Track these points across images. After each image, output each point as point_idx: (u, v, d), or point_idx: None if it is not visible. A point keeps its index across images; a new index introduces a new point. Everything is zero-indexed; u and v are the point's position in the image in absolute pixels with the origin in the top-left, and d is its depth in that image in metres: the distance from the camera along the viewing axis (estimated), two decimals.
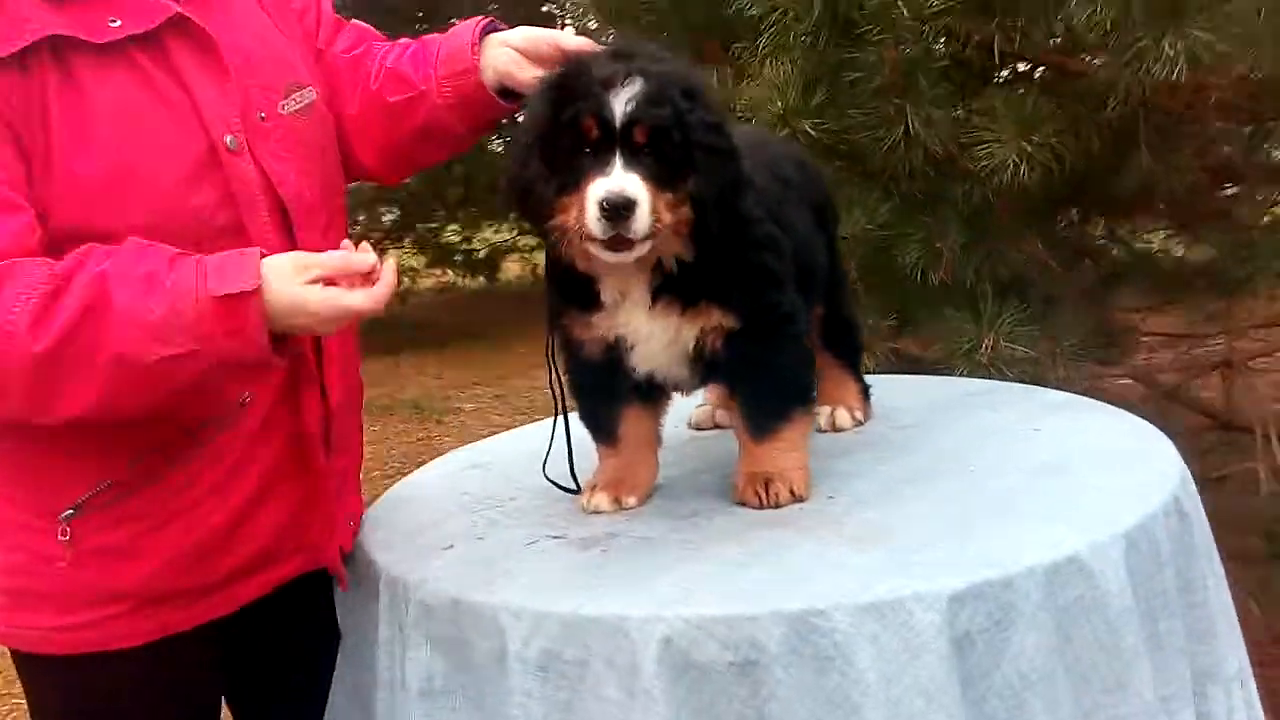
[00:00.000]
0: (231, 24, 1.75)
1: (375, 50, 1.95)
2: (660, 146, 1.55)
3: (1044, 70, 3.06)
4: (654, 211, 1.54)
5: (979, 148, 2.67)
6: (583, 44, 1.79)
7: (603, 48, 1.70)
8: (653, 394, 1.84)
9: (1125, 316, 3.47)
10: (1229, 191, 3.42)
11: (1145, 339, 3.57)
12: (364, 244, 1.63)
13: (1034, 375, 2.62)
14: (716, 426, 2.13)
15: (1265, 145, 3.06)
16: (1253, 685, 1.73)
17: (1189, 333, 3.50)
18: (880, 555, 1.49)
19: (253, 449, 1.74)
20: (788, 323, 1.73)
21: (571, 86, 1.61)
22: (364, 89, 1.91)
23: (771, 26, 2.78)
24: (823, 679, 1.35)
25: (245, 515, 1.76)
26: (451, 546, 1.74)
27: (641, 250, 1.57)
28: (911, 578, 1.40)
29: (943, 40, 2.78)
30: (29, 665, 1.79)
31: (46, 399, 1.50)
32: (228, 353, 1.50)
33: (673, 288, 1.66)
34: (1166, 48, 2.41)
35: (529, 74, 1.80)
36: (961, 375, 2.62)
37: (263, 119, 1.73)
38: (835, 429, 2.03)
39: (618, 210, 1.51)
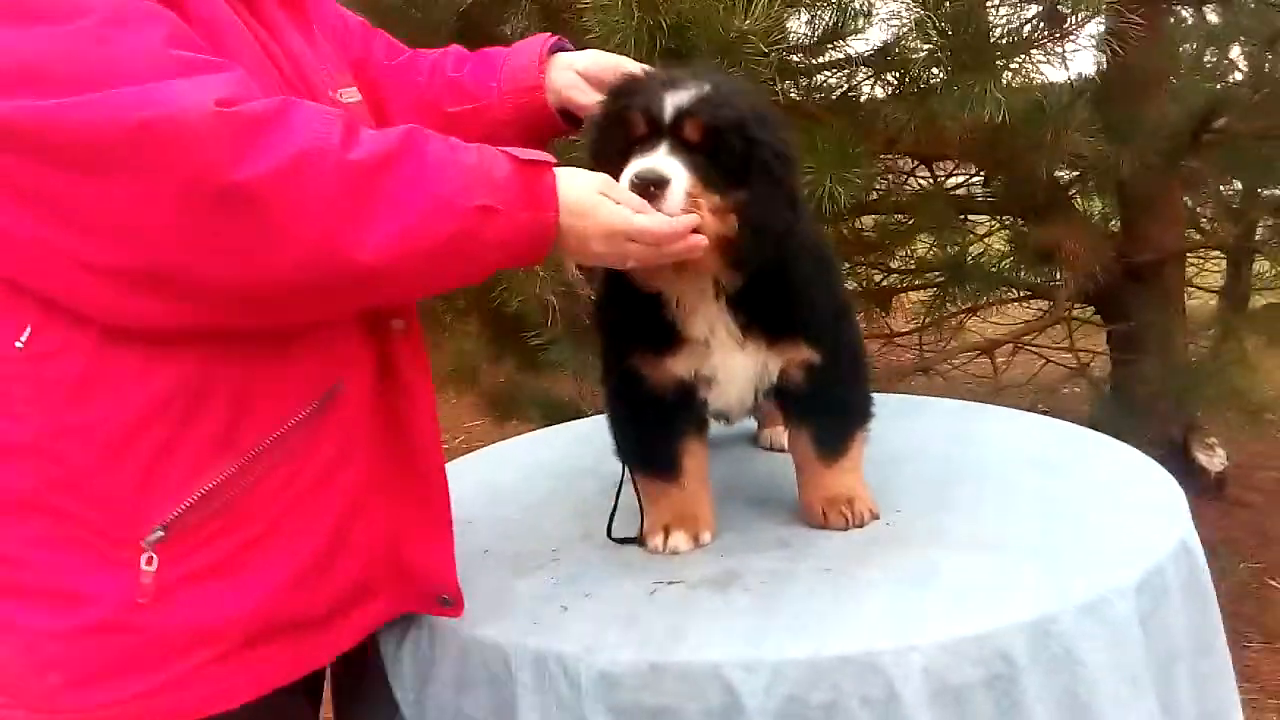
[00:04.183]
0: None
1: (422, 58, 1.79)
2: (715, 148, 1.48)
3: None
4: (693, 198, 1.46)
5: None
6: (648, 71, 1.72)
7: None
8: (705, 424, 1.79)
9: None
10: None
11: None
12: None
13: None
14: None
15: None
16: None
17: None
18: (1020, 559, 1.58)
19: (351, 445, 1.47)
20: (860, 353, 1.79)
21: (629, 88, 1.58)
22: (416, 97, 1.74)
23: None
24: (1052, 681, 1.42)
25: (346, 527, 1.48)
26: (566, 609, 1.56)
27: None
28: (1089, 574, 1.52)
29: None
30: None
31: (354, 221, 1.26)
32: (521, 224, 1.38)
33: (757, 322, 1.64)
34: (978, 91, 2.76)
35: (591, 99, 1.71)
36: None
37: (332, 96, 1.54)
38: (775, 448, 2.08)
39: (648, 185, 1.44)
